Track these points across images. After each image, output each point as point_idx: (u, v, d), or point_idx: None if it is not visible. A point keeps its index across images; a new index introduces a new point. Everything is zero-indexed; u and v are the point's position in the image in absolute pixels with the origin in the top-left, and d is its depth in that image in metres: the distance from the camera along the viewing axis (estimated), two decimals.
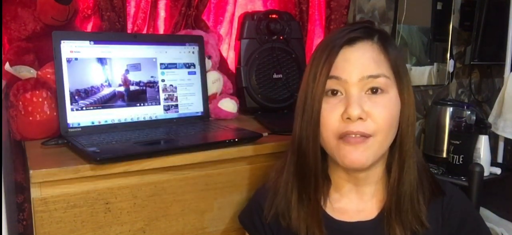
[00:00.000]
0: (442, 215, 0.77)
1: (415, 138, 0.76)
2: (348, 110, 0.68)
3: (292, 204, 0.77)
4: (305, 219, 0.76)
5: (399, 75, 0.73)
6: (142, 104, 1.08)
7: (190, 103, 1.16)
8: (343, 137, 0.70)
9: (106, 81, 1.03)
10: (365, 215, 0.78)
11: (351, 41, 0.72)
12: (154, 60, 1.10)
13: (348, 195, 0.79)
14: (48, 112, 0.98)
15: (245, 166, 0.98)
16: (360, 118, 0.68)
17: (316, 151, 0.73)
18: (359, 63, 0.70)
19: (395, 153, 0.74)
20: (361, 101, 0.69)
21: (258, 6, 1.56)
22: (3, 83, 1.05)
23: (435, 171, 1.73)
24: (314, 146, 0.73)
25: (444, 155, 1.89)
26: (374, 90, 0.70)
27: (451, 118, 1.86)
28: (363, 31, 0.73)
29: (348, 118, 0.69)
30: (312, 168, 0.74)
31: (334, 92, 0.71)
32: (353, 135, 0.69)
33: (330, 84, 0.71)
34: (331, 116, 0.70)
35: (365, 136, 0.69)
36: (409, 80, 0.74)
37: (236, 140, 0.98)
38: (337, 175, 0.79)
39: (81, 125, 1.00)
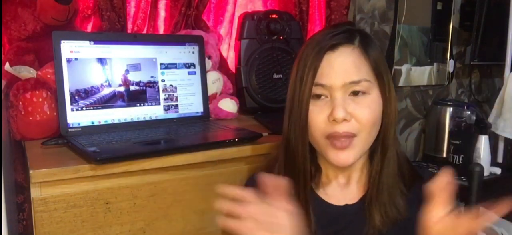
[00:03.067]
0: (422, 198, 0.80)
1: (396, 131, 0.82)
2: (333, 113, 0.73)
3: None
4: None
5: (381, 76, 0.78)
6: (142, 104, 1.08)
7: (190, 103, 1.16)
8: (330, 137, 0.75)
9: (106, 81, 1.03)
10: (350, 199, 0.83)
11: (333, 47, 0.76)
12: (154, 60, 1.10)
13: (336, 181, 0.84)
14: (48, 112, 0.98)
15: (245, 166, 0.98)
16: (345, 120, 0.73)
17: (305, 152, 0.78)
18: (342, 69, 0.75)
19: (378, 146, 0.80)
20: (345, 103, 0.74)
21: (258, 6, 1.56)
22: (3, 83, 1.05)
23: (435, 171, 1.73)
24: (303, 147, 0.78)
25: (444, 155, 1.89)
26: (356, 92, 0.75)
27: (451, 118, 1.86)
28: (344, 36, 0.77)
29: (334, 120, 0.74)
30: (301, 168, 0.79)
31: (319, 96, 0.76)
32: (339, 137, 0.74)
33: (315, 90, 0.76)
34: (318, 118, 0.76)
35: (350, 136, 0.74)
36: (390, 78, 0.79)
37: (236, 140, 0.98)
38: (326, 164, 0.84)
39: (81, 125, 1.00)
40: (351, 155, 0.75)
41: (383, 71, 0.78)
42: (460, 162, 1.61)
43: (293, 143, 0.78)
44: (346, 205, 0.82)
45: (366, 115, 0.75)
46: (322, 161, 0.84)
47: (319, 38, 0.78)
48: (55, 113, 0.98)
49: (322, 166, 0.84)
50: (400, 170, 0.81)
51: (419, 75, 1.99)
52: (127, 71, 1.06)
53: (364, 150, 0.78)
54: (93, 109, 1.01)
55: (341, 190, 0.84)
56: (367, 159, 0.83)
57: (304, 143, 0.77)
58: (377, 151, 0.80)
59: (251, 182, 0.89)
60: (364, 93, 0.75)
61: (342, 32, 0.77)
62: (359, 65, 0.76)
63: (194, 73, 1.17)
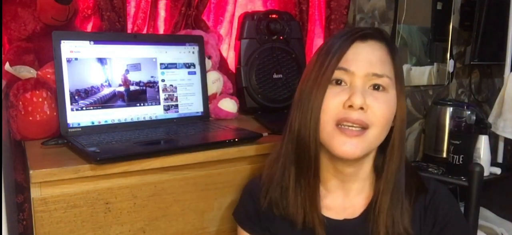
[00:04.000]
0: (424, 211, 0.79)
1: (405, 142, 0.79)
2: (351, 98, 0.71)
3: (290, 191, 0.79)
4: (303, 204, 0.78)
5: (400, 80, 0.77)
6: (142, 104, 1.08)
7: (190, 103, 1.16)
8: (340, 123, 0.72)
9: (106, 81, 1.03)
10: (351, 213, 0.80)
11: (363, 37, 0.76)
12: (154, 60, 1.10)
13: (336, 192, 0.81)
14: (48, 112, 0.98)
15: (245, 166, 0.98)
16: (361, 108, 0.71)
17: (317, 138, 0.75)
18: (368, 59, 0.74)
19: (387, 155, 0.77)
20: (364, 93, 0.72)
21: (258, 6, 1.57)
22: (3, 83, 1.05)
23: (435, 171, 1.73)
24: (315, 133, 0.74)
25: (444, 155, 1.89)
26: (376, 87, 0.74)
27: (451, 118, 1.86)
28: (375, 31, 0.78)
29: (350, 106, 0.71)
30: (312, 155, 0.76)
31: (338, 82, 0.74)
32: (351, 124, 0.72)
33: (337, 74, 0.74)
34: (333, 102, 0.73)
35: (363, 127, 0.72)
36: (404, 87, 0.78)
37: (236, 140, 0.98)
38: (326, 170, 0.80)
39: (81, 125, 1.00)
40: (359, 147, 0.72)
41: (402, 77, 0.78)
42: (460, 162, 1.61)
43: (305, 130, 0.75)
44: (345, 220, 0.79)
45: (383, 111, 0.73)
46: (322, 166, 0.80)
47: (347, 30, 0.78)
48: (55, 113, 0.98)
49: (321, 173, 0.80)
50: (407, 181, 0.78)
51: (419, 75, 1.99)
52: (127, 71, 1.06)
53: (372, 147, 0.75)
54: (93, 109, 1.01)
55: (341, 202, 0.80)
56: (372, 170, 0.80)
57: (317, 128, 0.74)
58: (387, 160, 0.76)
59: (251, 186, 0.88)
60: (384, 89, 0.74)
61: (373, 29, 0.78)
62: (384, 61, 0.75)
63: (194, 73, 1.17)
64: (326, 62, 0.74)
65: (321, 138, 0.75)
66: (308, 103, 0.74)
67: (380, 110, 0.72)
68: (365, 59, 0.74)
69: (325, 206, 0.80)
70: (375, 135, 0.73)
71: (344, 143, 0.72)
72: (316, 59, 0.76)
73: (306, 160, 0.77)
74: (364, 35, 0.75)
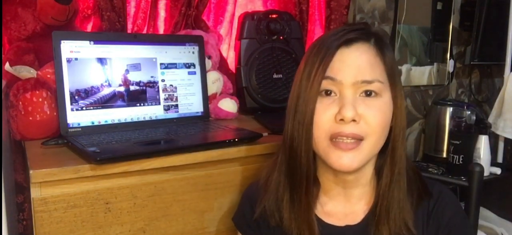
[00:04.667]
0: (427, 217, 0.76)
1: (406, 142, 0.76)
2: (342, 112, 0.68)
3: (284, 204, 0.77)
4: (297, 220, 0.76)
5: (394, 80, 0.73)
6: (142, 104, 1.08)
7: (190, 103, 1.16)
8: (334, 138, 0.70)
9: (106, 81, 1.03)
10: (352, 219, 0.77)
11: (348, 42, 0.71)
12: (154, 60, 1.10)
13: (336, 198, 0.79)
14: (48, 112, 0.98)
15: (245, 166, 0.98)
16: (353, 120, 0.68)
17: (309, 153, 0.72)
18: (355, 65, 0.70)
19: (387, 157, 0.74)
20: (355, 103, 0.69)
21: (258, 6, 1.57)
22: (3, 83, 1.05)
23: (435, 171, 1.73)
24: (307, 148, 0.72)
25: (444, 155, 1.89)
26: (368, 93, 0.70)
27: (451, 118, 1.86)
28: (360, 32, 0.72)
29: (342, 120, 0.68)
30: (304, 170, 0.73)
31: (327, 92, 0.71)
32: (345, 138, 0.69)
33: (325, 84, 0.70)
34: (324, 116, 0.70)
35: (358, 139, 0.69)
36: (401, 85, 0.75)
37: (236, 140, 0.98)
38: (325, 177, 0.78)
39: (81, 125, 1.00)
40: (356, 159, 0.69)
41: (396, 75, 0.74)
42: (460, 162, 1.61)
43: (296, 144, 0.72)
44: (347, 226, 0.77)
45: (377, 119, 0.69)
46: (322, 173, 0.78)
47: (331, 35, 0.73)
48: (55, 113, 0.98)
49: (321, 180, 0.78)
50: (409, 185, 0.75)
51: (419, 75, 1.99)
52: (127, 71, 1.06)
53: (370, 156, 0.72)
54: (93, 109, 1.01)
55: (342, 209, 0.78)
56: (373, 175, 0.77)
57: (308, 144, 0.71)
58: (387, 163, 0.74)
59: (250, 192, 0.87)
60: (376, 94, 0.70)
61: (358, 29, 0.73)
62: (373, 65, 0.71)
63: (194, 73, 1.17)
64: (313, 72, 0.70)
65: (317, 151, 0.73)
66: (300, 117, 0.71)
67: (374, 119, 0.69)
68: (352, 66, 0.70)
69: (326, 212, 0.79)
70: (371, 145, 0.70)
71: (340, 157, 0.70)
72: (304, 67, 0.73)
73: (299, 176, 0.74)
74: (349, 40, 0.71)
